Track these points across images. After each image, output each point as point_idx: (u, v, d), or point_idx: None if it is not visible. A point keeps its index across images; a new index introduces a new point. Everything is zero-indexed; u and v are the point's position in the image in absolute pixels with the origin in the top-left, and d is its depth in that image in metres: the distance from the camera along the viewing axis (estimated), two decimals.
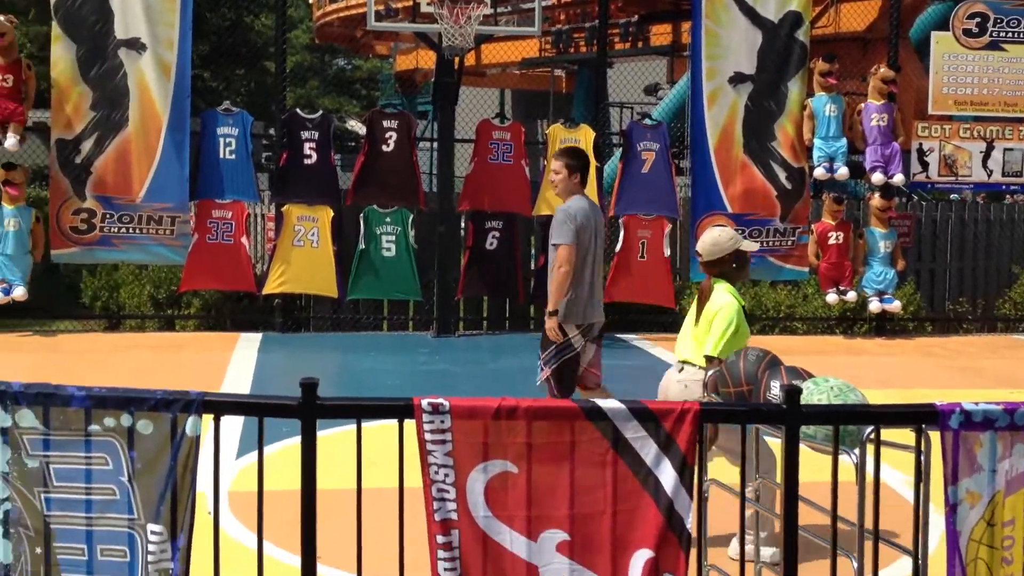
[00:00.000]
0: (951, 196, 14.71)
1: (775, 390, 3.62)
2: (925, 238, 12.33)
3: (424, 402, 2.89)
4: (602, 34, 11.65)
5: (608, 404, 2.88)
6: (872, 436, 3.10)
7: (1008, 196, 15.87)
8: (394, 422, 2.97)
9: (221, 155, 10.38)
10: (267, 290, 10.46)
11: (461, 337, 10.99)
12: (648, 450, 2.90)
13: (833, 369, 9.71)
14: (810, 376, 3.68)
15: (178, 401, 2.81)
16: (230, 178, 10.39)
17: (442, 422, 2.88)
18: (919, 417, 3.03)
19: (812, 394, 3.45)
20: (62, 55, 10.02)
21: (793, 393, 2.83)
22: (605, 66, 11.47)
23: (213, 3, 34.46)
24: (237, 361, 9.20)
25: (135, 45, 10.11)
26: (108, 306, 11.87)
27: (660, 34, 19.33)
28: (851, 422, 3.14)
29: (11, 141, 9.81)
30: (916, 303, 11.96)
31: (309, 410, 2.82)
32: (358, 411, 2.94)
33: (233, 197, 10.38)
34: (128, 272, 11.83)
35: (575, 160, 5.98)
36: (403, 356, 9.84)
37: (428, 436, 2.89)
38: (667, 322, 11.64)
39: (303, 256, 10.39)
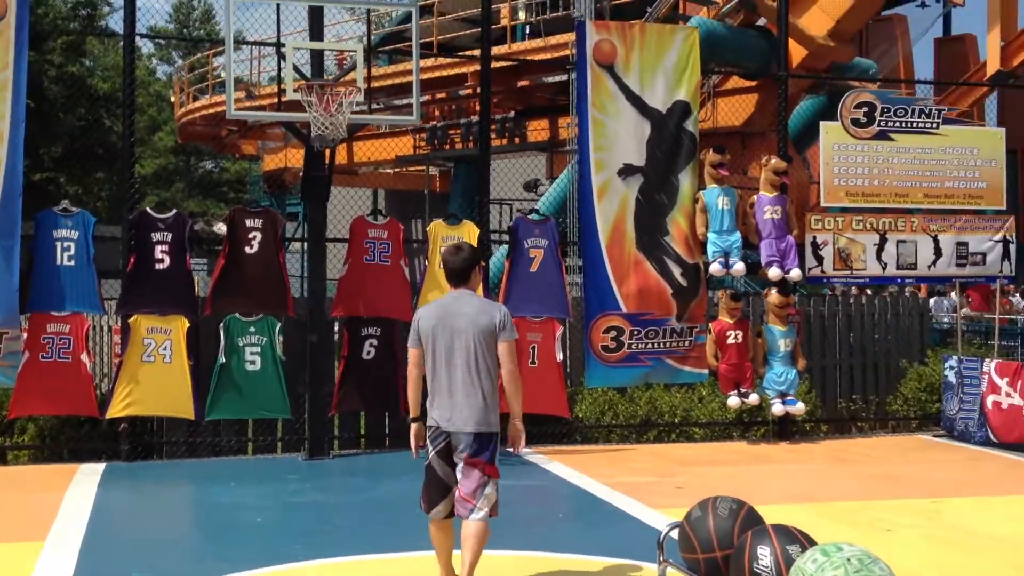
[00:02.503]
0: (823, 290, 14.36)
1: (764, 560, 2.71)
2: (814, 334, 11.81)
3: None
4: (484, 127, 10.88)
5: None
6: None
7: (891, 288, 15.74)
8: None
9: (58, 261, 9.19)
10: (111, 413, 9.18)
11: (336, 458, 9.84)
12: None
13: (744, 481, 8.91)
14: (808, 540, 2.78)
15: None
16: (69, 287, 9.19)
17: None
18: None
19: (823, 569, 2.54)
20: None
21: None
22: (488, 160, 10.66)
23: (68, 104, 32.87)
24: (71, 501, 7.83)
25: None
26: None
27: (538, 129, 18.88)
28: None
29: None
30: (812, 402, 11.39)
31: None
32: None
33: (72, 308, 9.17)
34: None
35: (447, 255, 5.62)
36: (270, 485, 8.63)
37: None
38: (561, 433, 10.75)
39: (153, 373, 9.20)
